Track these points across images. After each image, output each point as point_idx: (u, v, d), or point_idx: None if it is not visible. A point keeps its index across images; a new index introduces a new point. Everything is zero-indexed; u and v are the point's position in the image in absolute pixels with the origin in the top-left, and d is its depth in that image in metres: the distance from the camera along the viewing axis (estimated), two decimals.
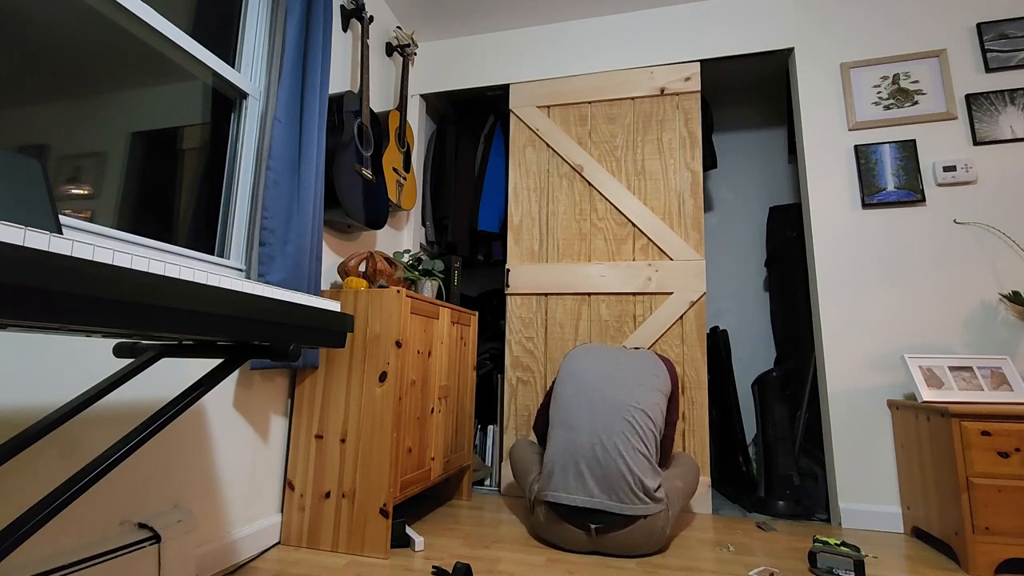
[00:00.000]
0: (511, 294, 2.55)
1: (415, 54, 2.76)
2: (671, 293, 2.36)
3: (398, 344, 1.70)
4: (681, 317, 2.34)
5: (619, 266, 2.44)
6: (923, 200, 2.12)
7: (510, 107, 2.73)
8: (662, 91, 2.52)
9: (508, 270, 2.57)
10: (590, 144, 2.59)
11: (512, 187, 2.67)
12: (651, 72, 2.55)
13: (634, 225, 2.46)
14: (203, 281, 0.68)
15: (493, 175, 2.86)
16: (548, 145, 2.64)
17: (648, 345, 2.34)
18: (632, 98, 2.57)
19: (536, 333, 2.49)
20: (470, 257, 2.89)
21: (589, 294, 2.47)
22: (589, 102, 2.62)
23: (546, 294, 2.51)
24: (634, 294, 2.41)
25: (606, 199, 2.52)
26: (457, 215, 2.84)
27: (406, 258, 2.22)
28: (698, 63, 2.50)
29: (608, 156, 2.55)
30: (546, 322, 2.49)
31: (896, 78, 2.23)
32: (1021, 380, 1.81)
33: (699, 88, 2.48)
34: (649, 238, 2.43)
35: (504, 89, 2.82)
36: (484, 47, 2.82)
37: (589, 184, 2.55)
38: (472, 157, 2.92)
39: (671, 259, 2.39)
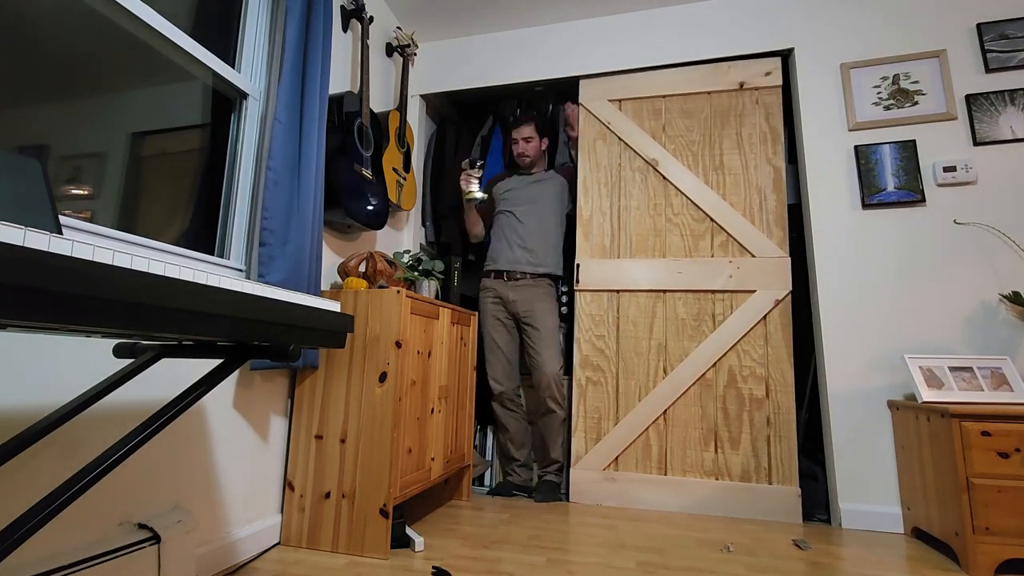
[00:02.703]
0: (581, 290, 2.48)
1: (415, 54, 2.76)
2: (754, 291, 2.28)
3: (398, 344, 1.70)
4: (765, 316, 2.25)
5: (696, 262, 2.36)
6: (923, 200, 2.12)
7: (580, 101, 2.66)
8: (741, 86, 2.46)
9: (578, 265, 2.50)
10: (664, 138, 2.52)
11: (581, 181, 2.59)
12: (728, 67, 2.49)
13: (712, 220, 2.39)
14: (203, 281, 0.68)
15: (488, 176, 2.87)
16: (620, 139, 2.57)
17: (730, 346, 2.27)
18: (708, 92, 2.50)
19: (607, 331, 2.42)
20: (463, 257, 2.90)
21: (664, 291, 2.38)
22: (663, 96, 2.55)
23: (618, 291, 2.44)
24: (713, 291, 2.33)
25: (682, 193, 2.44)
26: (451, 215, 2.85)
27: (406, 258, 2.22)
28: (779, 57, 2.44)
29: (684, 151, 2.48)
30: (618, 320, 2.42)
31: (896, 78, 2.23)
32: (1021, 380, 1.81)
33: (780, 83, 2.41)
34: (729, 234, 2.35)
35: (503, 90, 2.82)
36: (485, 48, 2.82)
37: (664, 178, 2.48)
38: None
39: (753, 255, 2.31)
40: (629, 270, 2.44)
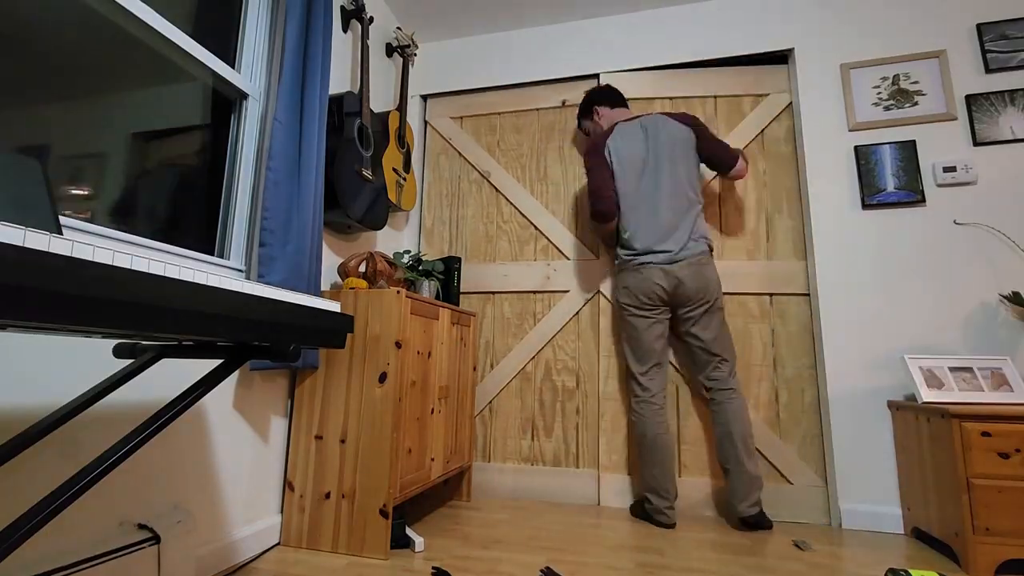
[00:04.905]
0: None
1: (415, 55, 2.76)
2: (567, 291, 2.49)
3: (398, 345, 1.70)
4: (577, 313, 2.47)
5: (520, 265, 2.57)
6: (923, 201, 2.12)
7: (426, 119, 2.87)
8: (564, 103, 2.68)
9: None
10: (498, 152, 2.74)
11: (425, 193, 2.80)
12: (554, 86, 2.72)
13: (535, 227, 2.61)
14: (203, 281, 0.68)
15: None
16: (460, 153, 2.77)
17: (546, 342, 2.47)
18: (537, 109, 2.72)
19: None
20: None
21: (493, 292, 2.59)
22: (499, 113, 2.76)
23: None
24: (534, 292, 2.54)
25: (511, 203, 2.66)
26: None
27: (406, 258, 2.22)
28: (596, 77, 2.64)
29: (514, 163, 2.70)
30: None
31: (896, 79, 2.23)
32: (1021, 381, 1.81)
33: None
34: (548, 239, 2.57)
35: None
36: (486, 48, 2.82)
37: (496, 189, 2.70)
38: None
39: (568, 259, 2.53)
40: (463, 274, 2.63)
